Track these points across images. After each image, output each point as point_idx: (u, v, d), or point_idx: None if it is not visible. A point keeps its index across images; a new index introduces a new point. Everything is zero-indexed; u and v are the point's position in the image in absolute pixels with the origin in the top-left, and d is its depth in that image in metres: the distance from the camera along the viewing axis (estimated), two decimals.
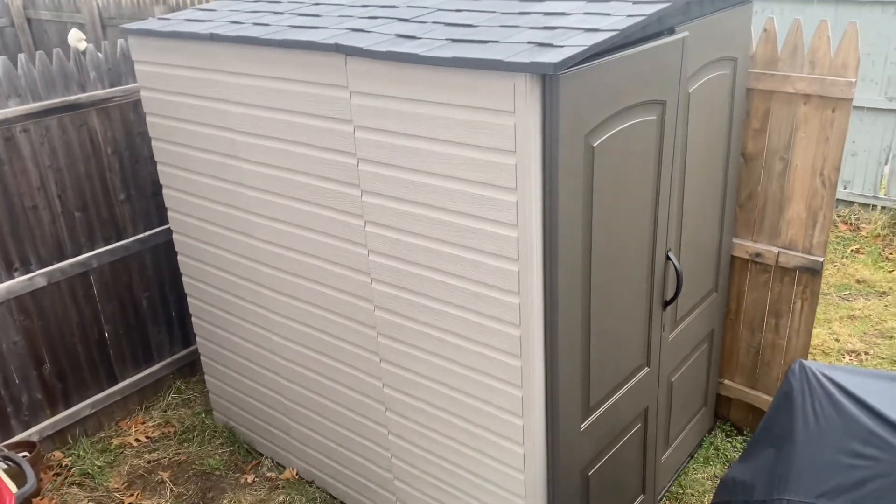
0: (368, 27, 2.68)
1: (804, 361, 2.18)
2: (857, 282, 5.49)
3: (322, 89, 2.67)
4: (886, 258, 5.83)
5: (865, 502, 1.86)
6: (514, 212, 2.30)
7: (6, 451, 2.83)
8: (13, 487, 2.47)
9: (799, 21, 3.19)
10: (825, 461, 1.98)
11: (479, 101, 2.23)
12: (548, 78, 2.10)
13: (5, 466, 2.76)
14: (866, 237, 6.17)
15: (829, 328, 4.91)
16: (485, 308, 2.54)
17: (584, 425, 2.73)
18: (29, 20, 8.76)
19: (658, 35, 2.57)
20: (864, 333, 4.85)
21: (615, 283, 2.66)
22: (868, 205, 6.53)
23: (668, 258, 2.95)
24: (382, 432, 3.22)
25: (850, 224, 6.36)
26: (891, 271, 5.62)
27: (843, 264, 5.74)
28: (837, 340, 4.77)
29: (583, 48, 2.07)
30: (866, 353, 4.67)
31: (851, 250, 5.95)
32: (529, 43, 2.21)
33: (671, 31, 2.61)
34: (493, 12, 2.66)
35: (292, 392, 3.57)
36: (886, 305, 5.16)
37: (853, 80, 3.10)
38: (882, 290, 5.37)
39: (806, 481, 1.99)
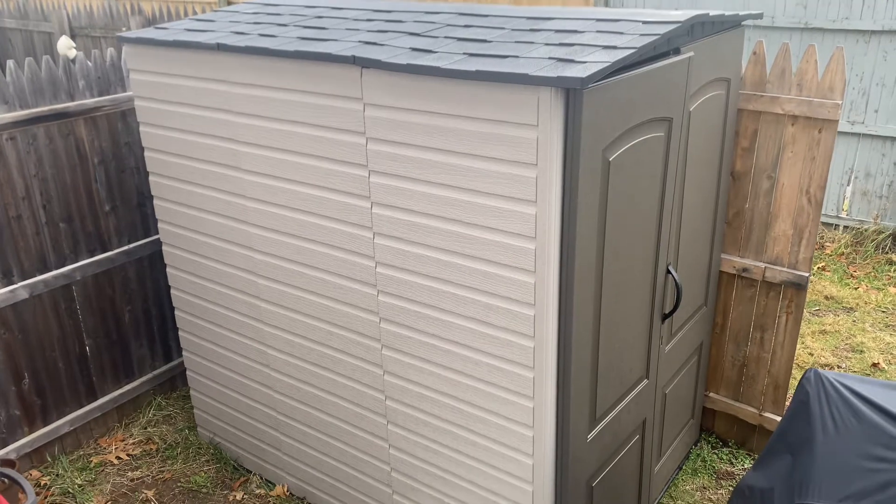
0: (380, 40, 2.70)
1: (819, 370, 2.26)
2: (826, 298, 5.68)
3: (334, 101, 2.68)
4: (851, 275, 6.04)
5: None
6: (533, 224, 2.33)
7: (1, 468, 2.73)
8: None
9: (787, 45, 3.32)
10: (847, 466, 2.05)
11: (500, 114, 2.27)
12: (572, 92, 2.15)
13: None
14: (831, 255, 6.39)
15: (803, 342, 5.06)
16: (497, 319, 2.56)
17: (590, 436, 2.77)
18: None
19: (665, 55, 2.65)
20: (836, 348, 5.02)
21: (622, 295, 2.71)
22: (831, 224, 6.78)
23: (668, 272, 3.02)
24: (383, 446, 3.20)
25: (816, 242, 6.58)
26: (856, 288, 5.83)
27: (811, 281, 5.93)
28: (811, 355, 4.92)
29: (606, 64, 2.13)
30: (839, 367, 4.82)
31: (818, 268, 6.16)
32: (550, 58, 2.26)
33: (677, 52, 2.70)
34: (504, 28, 2.71)
35: (286, 406, 3.52)
36: (854, 321, 5.35)
37: (839, 101, 3.24)
38: (849, 305, 5.57)
39: (827, 486, 2.05)
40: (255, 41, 2.88)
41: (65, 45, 6.37)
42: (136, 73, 3.34)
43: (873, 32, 6.27)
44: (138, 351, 4.34)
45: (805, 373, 2.35)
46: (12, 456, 3.78)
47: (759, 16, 3.24)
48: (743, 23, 3.23)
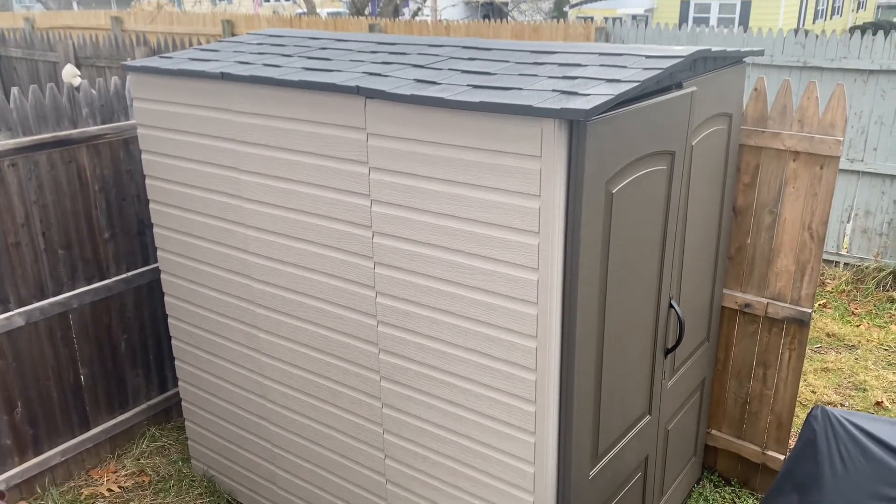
0: (384, 72, 2.71)
1: (826, 407, 2.22)
2: (827, 335, 5.65)
3: (338, 130, 2.68)
4: (853, 313, 6.01)
5: None
6: (536, 255, 2.32)
7: None
8: None
9: (788, 81, 3.34)
10: None
11: (504, 145, 2.27)
12: (575, 124, 2.15)
13: None
14: (832, 292, 6.37)
15: (805, 380, 5.02)
16: (499, 352, 2.53)
17: (592, 473, 2.71)
18: None
19: (668, 89, 2.66)
20: (839, 386, 4.97)
21: (625, 328, 2.68)
22: (832, 261, 6.77)
23: (671, 306, 2.99)
24: (380, 481, 3.14)
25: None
26: (857, 325, 5.80)
27: (812, 318, 5.89)
28: (814, 392, 4.87)
29: (610, 97, 2.13)
30: (842, 405, 4.77)
31: (819, 305, 6.13)
32: (554, 91, 2.26)
33: (679, 86, 2.71)
34: (507, 62, 2.72)
35: (281, 438, 3.47)
36: (857, 358, 5.30)
37: (841, 138, 3.25)
38: (851, 343, 5.53)
39: None
40: (259, 70, 2.89)
41: (69, 73, 6.42)
42: (139, 101, 3.35)
43: (871, 72, 6.34)
44: (133, 380, 4.29)
45: (811, 410, 2.31)
46: (2, 487, 3.70)
47: (760, 52, 3.26)
48: (744, 59, 3.25)
